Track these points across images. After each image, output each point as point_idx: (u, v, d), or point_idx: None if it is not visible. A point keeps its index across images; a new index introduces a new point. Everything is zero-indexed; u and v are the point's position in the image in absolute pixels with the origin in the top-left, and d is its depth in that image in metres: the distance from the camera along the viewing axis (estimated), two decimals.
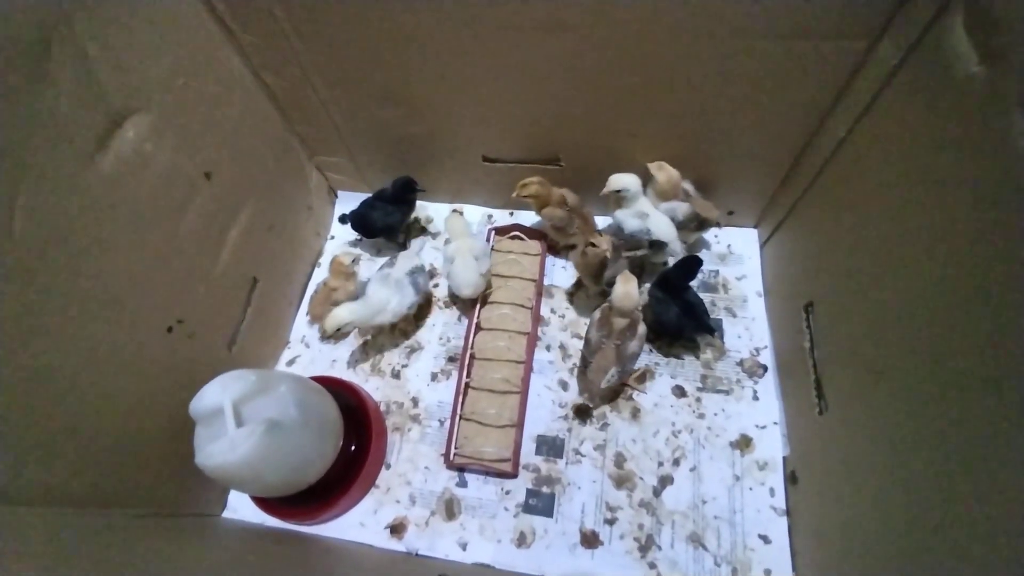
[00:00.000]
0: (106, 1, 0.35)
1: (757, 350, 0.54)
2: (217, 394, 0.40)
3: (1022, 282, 0.24)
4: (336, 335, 0.51)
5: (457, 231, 0.56)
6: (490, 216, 0.66)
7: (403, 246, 0.63)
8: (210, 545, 0.44)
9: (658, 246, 0.53)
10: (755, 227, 0.61)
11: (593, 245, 0.49)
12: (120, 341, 0.39)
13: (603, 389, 0.47)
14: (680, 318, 0.51)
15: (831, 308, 0.44)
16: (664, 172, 0.52)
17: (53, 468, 0.35)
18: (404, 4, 0.42)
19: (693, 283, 0.54)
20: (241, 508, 0.51)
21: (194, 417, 0.40)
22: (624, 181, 0.53)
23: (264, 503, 0.49)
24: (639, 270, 0.55)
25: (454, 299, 0.60)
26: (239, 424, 0.39)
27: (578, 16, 0.41)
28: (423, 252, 0.62)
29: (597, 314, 0.49)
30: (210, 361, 0.49)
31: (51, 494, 0.34)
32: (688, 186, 0.54)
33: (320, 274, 0.64)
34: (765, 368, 0.53)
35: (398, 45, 0.46)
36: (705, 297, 0.55)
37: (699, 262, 0.51)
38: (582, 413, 0.52)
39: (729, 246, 0.61)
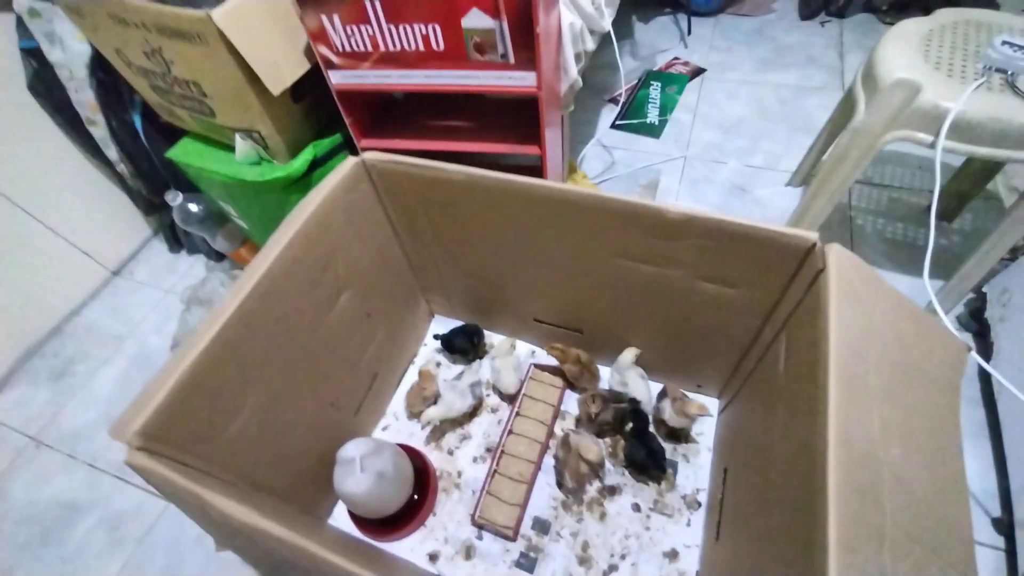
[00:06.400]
0: (354, 245, 0.70)
1: (697, 490, 0.76)
2: (352, 450, 0.70)
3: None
4: (430, 423, 0.81)
5: (503, 351, 0.85)
6: (533, 352, 0.95)
7: (470, 363, 0.93)
8: (328, 530, 0.73)
9: (635, 402, 0.78)
10: (718, 398, 0.85)
11: (592, 400, 0.76)
12: (306, 409, 0.71)
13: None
14: (645, 459, 0.75)
15: (736, 477, 0.67)
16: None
17: (271, 476, 0.66)
18: (493, 228, 0.71)
19: (662, 433, 0.79)
20: (339, 520, 0.80)
21: (337, 460, 0.71)
22: (626, 356, 0.80)
23: (357, 520, 0.78)
24: (623, 416, 0.80)
25: (500, 396, 0.89)
26: (362, 470, 0.69)
27: (599, 245, 0.68)
28: (482, 371, 0.91)
29: (561, 453, 0.75)
30: (344, 422, 0.80)
31: (271, 488, 0.65)
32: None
33: (413, 369, 0.95)
34: (700, 504, 0.75)
35: (486, 249, 0.76)
36: (670, 444, 0.79)
37: (642, 416, 0.76)
38: (583, 502, 0.76)
39: None
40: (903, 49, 0.77)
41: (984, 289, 0.92)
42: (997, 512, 0.77)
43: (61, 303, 1.29)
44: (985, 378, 0.87)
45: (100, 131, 1.02)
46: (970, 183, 1.06)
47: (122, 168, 1.11)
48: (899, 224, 1.16)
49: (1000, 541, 0.76)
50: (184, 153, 0.90)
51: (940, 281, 0.96)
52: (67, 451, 1.06)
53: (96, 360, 1.22)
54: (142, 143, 1.03)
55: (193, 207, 1.00)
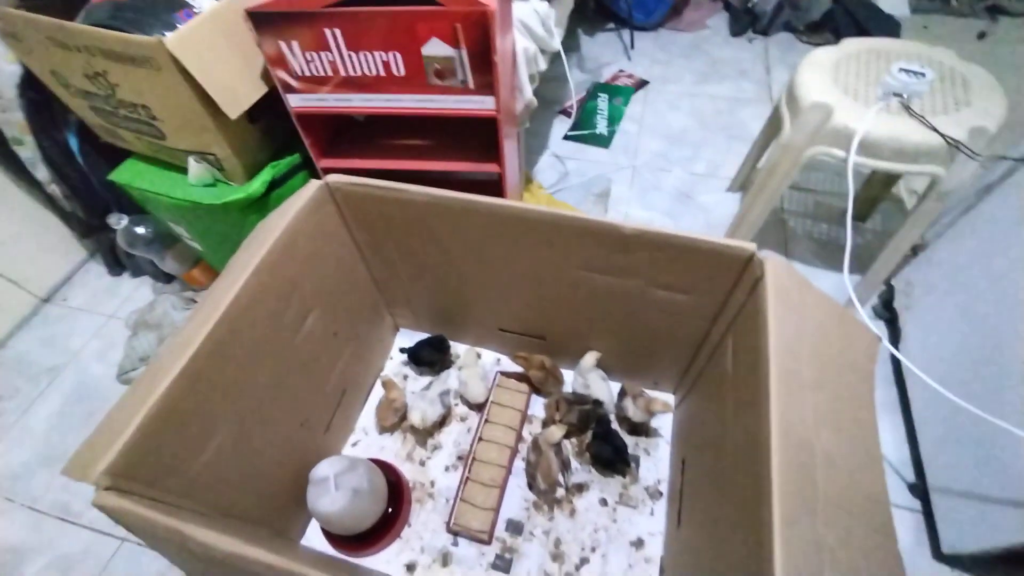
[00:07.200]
0: (319, 266, 0.71)
1: (659, 481, 0.82)
2: (326, 469, 0.70)
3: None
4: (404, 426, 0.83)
5: (469, 362, 0.88)
6: (499, 360, 0.98)
7: (437, 374, 0.95)
8: (303, 550, 0.73)
9: (598, 403, 0.83)
10: (673, 393, 0.91)
11: (557, 406, 0.80)
12: (277, 431, 0.71)
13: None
14: (611, 455, 0.80)
15: (693, 466, 0.73)
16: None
17: (242, 502, 0.65)
18: (457, 246, 0.74)
19: (625, 429, 0.84)
20: (312, 539, 0.80)
21: (310, 480, 0.71)
22: (587, 360, 0.84)
23: (331, 537, 0.78)
24: (587, 417, 0.84)
25: (468, 405, 0.91)
26: (336, 488, 0.70)
27: (561, 260, 0.74)
28: (449, 380, 0.93)
29: (532, 457, 0.79)
30: (314, 441, 0.80)
31: (242, 514, 0.65)
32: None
33: (380, 385, 0.96)
34: (662, 494, 0.81)
35: (451, 265, 0.79)
36: (632, 438, 0.85)
37: (604, 417, 0.81)
38: (555, 502, 0.80)
39: None
40: (817, 75, 0.87)
41: (892, 282, 1.04)
42: (912, 478, 0.88)
43: None
44: (896, 360, 0.99)
45: (28, 151, 0.96)
46: (879, 188, 1.20)
47: (53, 189, 1.04)
48: (824, 225, 1.28)
49: (916, 504, 0.87)
50: (129, 175, 0.86)
51: (858, 276, 1.08)
52: (3, 494, 0.99)
53: (27, 396, 1.13)
54: (78, 164, 0.98)
55: (140, 230, 0.96)
